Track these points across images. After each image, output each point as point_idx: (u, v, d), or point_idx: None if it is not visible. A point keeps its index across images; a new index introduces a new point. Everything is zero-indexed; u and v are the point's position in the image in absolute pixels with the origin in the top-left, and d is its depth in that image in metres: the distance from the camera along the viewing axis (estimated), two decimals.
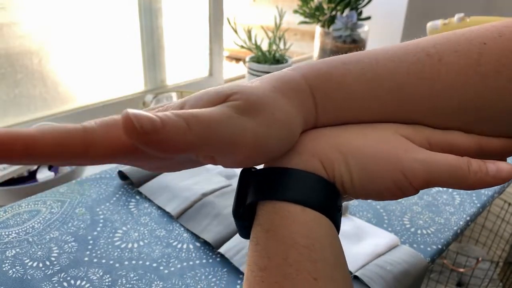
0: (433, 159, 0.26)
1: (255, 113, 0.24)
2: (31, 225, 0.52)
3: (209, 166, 0.64)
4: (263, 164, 0.28)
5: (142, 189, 0.60)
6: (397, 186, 0.26)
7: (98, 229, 0.52)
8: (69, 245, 0.50)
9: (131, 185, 0.61)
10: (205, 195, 0.57)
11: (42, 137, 0.19)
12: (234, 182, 0.61)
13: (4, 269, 0.46)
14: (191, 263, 0.48)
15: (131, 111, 0.19)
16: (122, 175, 0.61)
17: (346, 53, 0.29)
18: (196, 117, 0.21)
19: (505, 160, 0.29)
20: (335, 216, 0.27)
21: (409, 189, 0.26)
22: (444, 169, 0.26)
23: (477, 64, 0.27)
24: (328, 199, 0.26)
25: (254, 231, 0.26)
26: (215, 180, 0.60)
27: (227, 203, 0.55)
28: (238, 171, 0.66)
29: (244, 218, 0.28)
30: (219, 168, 0.65)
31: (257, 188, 0.27)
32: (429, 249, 0.52)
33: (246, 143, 0.23)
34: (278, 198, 0.26)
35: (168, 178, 0.61)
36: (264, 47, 1.06)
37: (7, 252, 0.48)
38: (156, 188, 0.59)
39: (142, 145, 0.19)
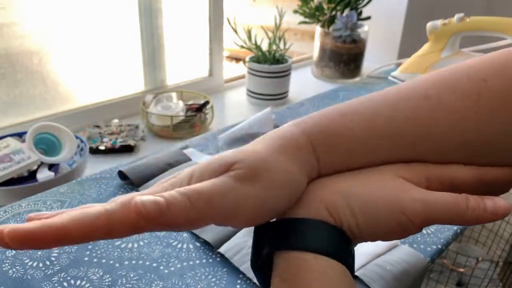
0: (431, 198, 0.27)
1: (256, 178, 0.26)
2: None
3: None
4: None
5: (142, 189, 0.60)
6: (400, 226, 0.27)
7: None
8: None
9: (131, 185, 0.61)
10: None
11: (71, 227, 0.22)
12: None
13: (4, 269, 0.46)
14: (191, 263, 0.48)
15: (139, 199, 0.22)
16: (122, 175, 0.61)
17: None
18: (199, 193, 0.24)
19: (509, 189, 0.30)
20: (348, 261, 0.27)
21: (412, 228, 0.28)
22: (442, 208, 0.27)
23: (477, 105, 0.27)
24: (339, 245, 0.27)
25: (273, 283, 0.28)
26: None
27: None
28: None
29: (263, 270, 0.29)
30: None
31: (271, 240, 0.28)
32: (429, 249, 0.52)
33: (246, 211, 0.26)
34: (292, 248, 0.27)
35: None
36: (264, 47, 1.06)
37: (7, 252, 0.48)
38: None
39: (152, 226, 0.23)
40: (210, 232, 0.51)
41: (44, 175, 0.70)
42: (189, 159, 0.66)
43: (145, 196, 0.23)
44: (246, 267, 0.47)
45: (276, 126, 0.74)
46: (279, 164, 0.27)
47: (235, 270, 0.47)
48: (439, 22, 0.97)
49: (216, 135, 0.74)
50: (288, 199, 0.28)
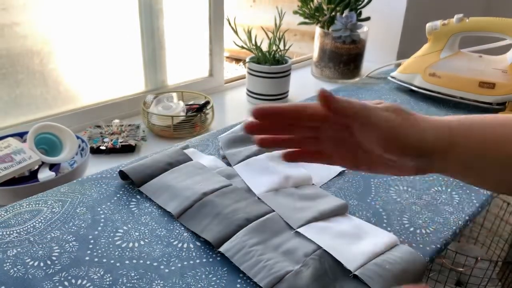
0: None
1: (397, 113, 0.39)
2: (32, 225, 0.53)
3: (210, 165, 0.65)
4: (396, 157, 0.40)
5: (143, 188, 0.60)
6: None
7: (99, 228, 0.53)
8: (70, 244, 0.50)
9: (132, 184, 0.61)
10: (205, 194, 0.57)
11: (288, 106, 0.40)
12: (234, 182, 0.61)
13: (5, 268, 0.46)
14: (191, 262, 0.49)
15: (322, 88, 0.37)
16: (123, 174, 0.62)
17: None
18: (357, 101, 0.38)
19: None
20: None
21: None
22: None
23: None
24: None
25: None
26: (216, 180, 0.60)
27: (228, 202, 0.56)
28: (238, 172, 0.65)
29: None
30: (220, 168, 0.65)
31: None
32: (428, 248, 0.52)
33: (382, 126, 0.38)
34: None
35: (168, 178, 0.61)
36: (264, 47, 1.07)
37: (8, 251, 0.49)
38: (156, 188, 0.59)
39: (326, 105, 0.37)
40: (210, 232, 0.52)
41: (45, 175, 0.70)
42: (189, 159, 0.66)
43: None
44: (246, 266, 0.47)
45: None
46: (414, 116, 0.39)
47: (235, 270, 0.47)
48: (438, 22, 0.97)
49: (217, 135, 0.75)
50: (414, 139, 0.38)
